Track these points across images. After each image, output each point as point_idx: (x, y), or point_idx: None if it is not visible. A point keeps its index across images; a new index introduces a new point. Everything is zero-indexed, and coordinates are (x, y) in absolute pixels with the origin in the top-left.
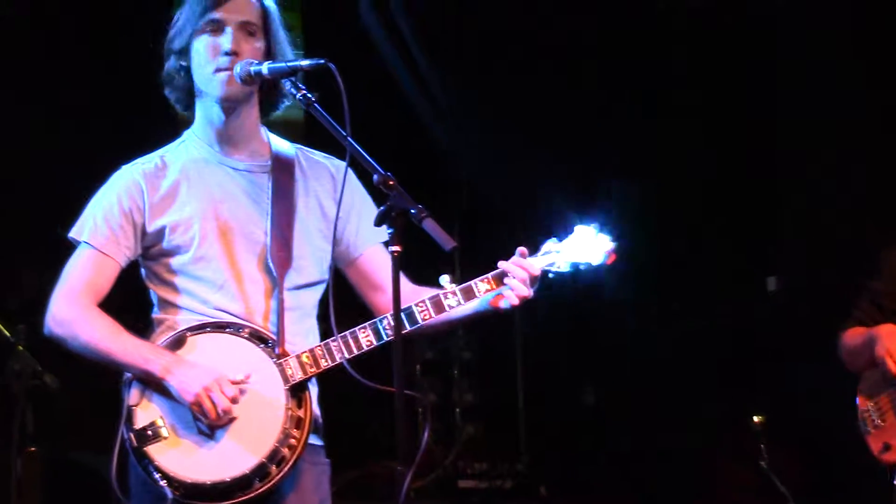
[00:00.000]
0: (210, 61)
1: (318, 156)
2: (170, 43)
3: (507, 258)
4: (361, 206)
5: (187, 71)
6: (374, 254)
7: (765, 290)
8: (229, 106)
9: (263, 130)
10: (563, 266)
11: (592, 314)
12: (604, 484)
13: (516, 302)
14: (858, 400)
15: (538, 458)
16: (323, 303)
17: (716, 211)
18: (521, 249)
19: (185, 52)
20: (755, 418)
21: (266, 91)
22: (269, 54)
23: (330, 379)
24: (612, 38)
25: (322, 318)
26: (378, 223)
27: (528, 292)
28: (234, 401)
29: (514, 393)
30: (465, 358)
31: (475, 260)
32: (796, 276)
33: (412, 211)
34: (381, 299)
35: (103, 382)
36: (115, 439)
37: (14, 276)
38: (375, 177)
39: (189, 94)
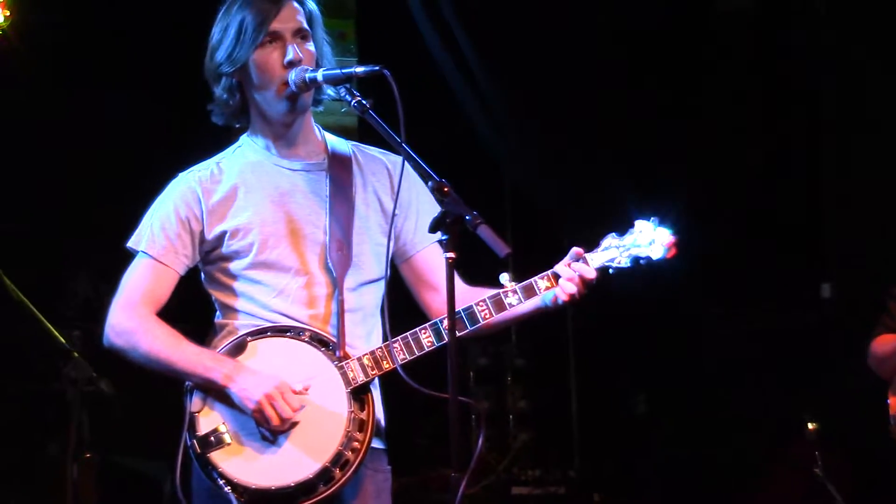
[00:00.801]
0: (274, 76)
1: (374, 151)
2: (218, 65)
3: (562, 257)
4: (420, 203)
5: (241, 87)
6: (430, 253)
7: (819, 297)
8: (289, 117)
9: (318, 129)
10: (623, 261)
11: (645, 320)
12: (656, 490)
13: (565, 299)
14: (890, 401)
15: (591, 465)
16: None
17: (771, 215)
18: (577, 250)
19: (240, 70)
20: (809, 425)
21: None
22: (318, 57)
23: (383, 385)
24: (666, 37)
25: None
26: (433, 229)
27: (576, 291)
28: (296, 408)
29: (567, 399)
30: (519, 365)
31: (530, 259)
32: (851, 282)
33: (467, 217)
34: (436, 299)
35: (159, 388)
36: (178, 446)
37: (69, 283)
38: (430, 183)
39: (242, 109)
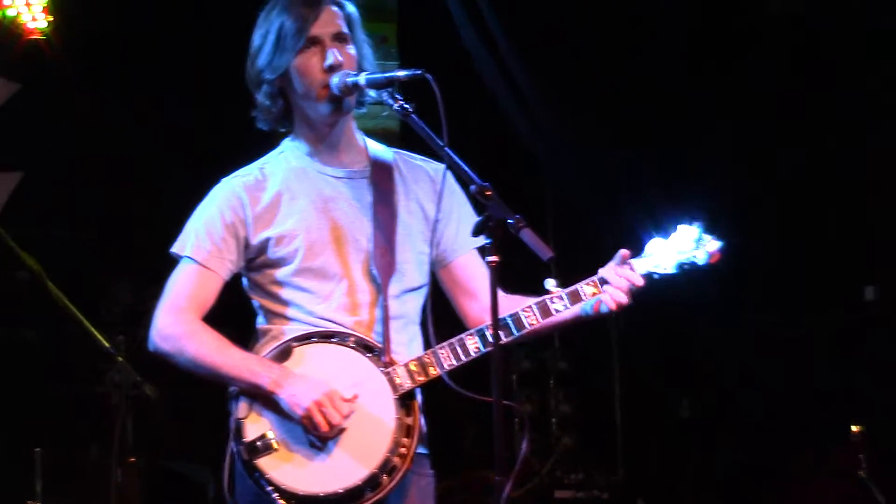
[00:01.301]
0: (315, 80)
1: (416, 159)
2: (259, 72)
3: (601, 260)
4: (460, 210)
5: (283, 92)
6: (469, 260)
7: (863, 299)
8: (331, 120)
9: (360, 136)
10: (668, 267)
11: (689, 324)
12: (700, 495)
13: (613, 307)
14: None
15: (635, 469)
16: (424, 310)
17: (813, 218)
18: (623, 252)
19: (282, 76)
20: (854, 428)
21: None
22: (359, 59)
23: (426, 388)
24: (713, 38)
25: (421, 325)
26: (476, 233)
27: (625, 300)
28: (345, 415)
29: (610, 403)
30: (562, 368)
31: (571, 262)
32: (895, 284)
33: (510, 221)
34: (474, 307)
35: (202, 392)
36: (224, 452)
37: (112, 287)
38: (473, 187)
39: (286, 114)
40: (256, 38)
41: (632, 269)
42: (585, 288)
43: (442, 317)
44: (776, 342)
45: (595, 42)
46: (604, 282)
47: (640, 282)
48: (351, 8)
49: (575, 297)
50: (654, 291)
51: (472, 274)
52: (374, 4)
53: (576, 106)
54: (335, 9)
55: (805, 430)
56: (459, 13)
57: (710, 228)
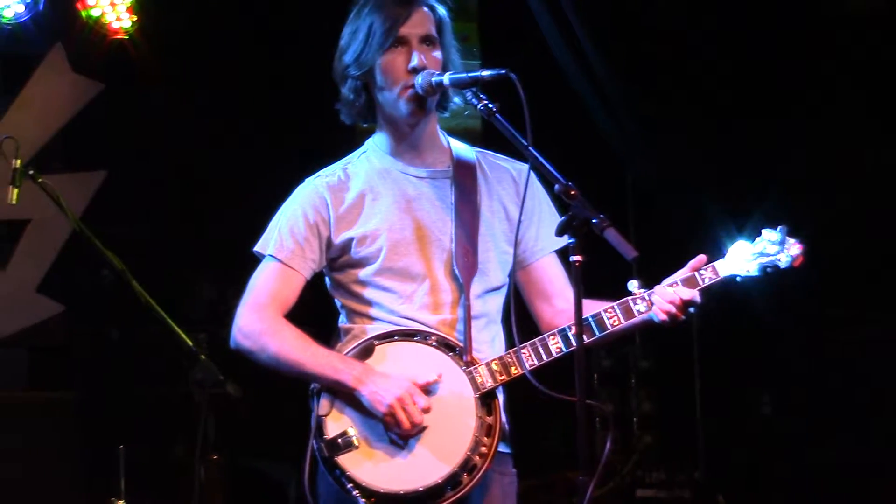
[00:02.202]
0: (398, 80)
1: (500, 159)
2: (345, 67)
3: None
4: (542, 212)
5: (367, 88)
6: (548, 262)
7: None
8: (413, 120)
9: (443, 135)
10: (751, 270)
11: (770, 322)
12: (782, 494)
13: (663, 318)
14: None
15: (716, 468)
16: (506, 309)
17: (892, 217)
18: (700, 257)
19: (367, 72)
20: None
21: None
22: (445, 63)
23: (508, 387)
24: (792, 37)
25: (503, 324)
26: (560, 233)
27: (675, 311)
28: (426, 412)
29: (692, 402)
30: (643, 367)
31: (654, 264)
32: None
33: (594, 220)
34: (548, 310)
35: (284, 390)
36: (305, 449)
37: (195, 286)
38: (557, 186)
39: (369, 110)
40: (346, 34)
41: (715, 272)
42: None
43: (523, 316)
44: (857, 340)
45: (679, 40)
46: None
47: (688, 296)
48: (442, 11)
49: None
50: (737, 288)
51: (550, 277)
52: (455, 4)
53: (659, 104)
54: (426, 11)
55: (887, 428)
56: (540, 11)
57: (794, 231)
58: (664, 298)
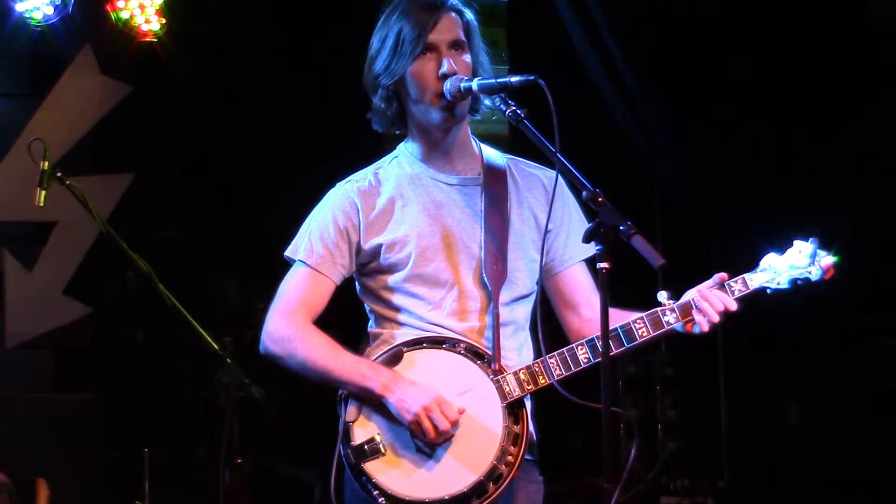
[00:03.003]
0: (429, 87)
1: (531, 166)
2: (376, 76)
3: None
4: (572, 220)
5: (398, 96)
6: (577, 271)
7: None
8: (445, 127)
9: (474, 142)
10: (782, 282)
11: (796, 329)
12: (806, 503)
13: (706, 329)
14: None
15: (740, 476)
16: (533, 317)
17: None
18: (721, 275)
19: (398, 81)
20: None
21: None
22: (475, 66)
23: (533, 393)
24: (819, 47)
25: (531, 331)
26: (587, 240)
27: (715, 320)
28: (453, 421)
29: (716, 410)
30: (668, 374)
31: (680, 270)
32: None
33: (621, 227)
34: (575, 319)
35: (309, 395)
36: (332, 455)
37: (221, 289)
38: (585, 193)
39: (400, 118)
40: (375, 42)
41: (745, 284)
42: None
43: (551, 323)
44: (886, 348)
45: (708, 48)
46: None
47: (734, 307)
48: (470, 15)
49: (686, 311)
50: (764, 299)
51: (577, 287)
52: (484, 9)
53: (688, 112)
54: (454, 16)
55: None
56: (570, 17)
57: (826, 245)
58: (712, 306)
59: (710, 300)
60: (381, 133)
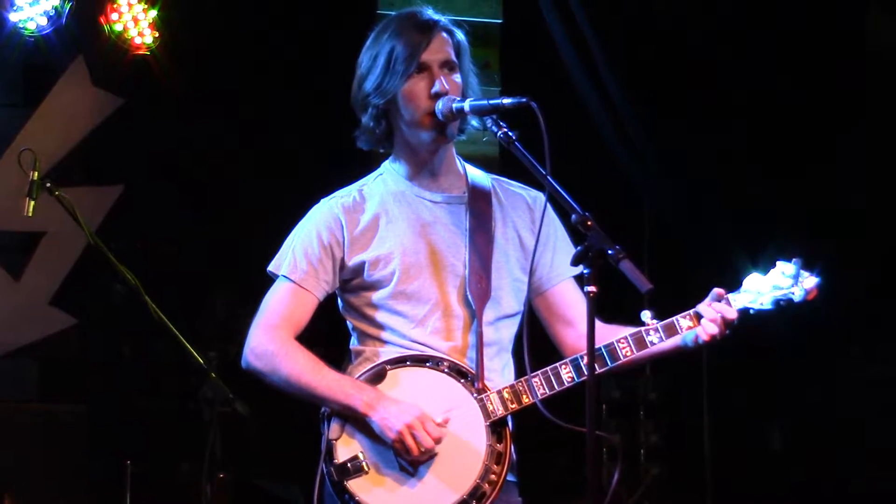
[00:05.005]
0: (420, 107)
1: (515, 186)
2: (366, 95)
3: (701, 291)
4: (558, 238)
5: (387, 115)
6: (566, 288)
7: None
8: (434, 147)
9: (459, 161)
10: (765, 303)
11: (780, 354)
12: None
13: (706, 339)
14: None
15: (724, 501)
16: (517, 338)
17: None
18: (718, 291)
19: (389, 100)
20: None
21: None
22: (464, 87)
23: (515, 415)
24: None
25: (514, 353)
26: (575, 263)
27: (717, 331)
28: (437, 440)
29: (700, 435)
30: (652, 398)
31: (668, 295)
32: None
33: (610, 251)
34: (570, 335)
35: (293, 411)
36: (314, 472)
37: (207, 304)
38: (574, 216)
39: (388, 136)
40: (365, 61)
41: (728, 304)
42: (682, 321)
43: (536, 344)
44: (872, 377)
45: (700, 72)
46: (699, 316)
47: (733, 316)
48: (461, 36)
49: (670, 330)
50: (748, 322)
51: (569, 302)
52: (477, 30)
53: (680, 137)
54: (446, 35)
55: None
56: (562, 39)
57: (809, 265)
58: (708, 317)
59: (712, 312)
60: (367, 150)
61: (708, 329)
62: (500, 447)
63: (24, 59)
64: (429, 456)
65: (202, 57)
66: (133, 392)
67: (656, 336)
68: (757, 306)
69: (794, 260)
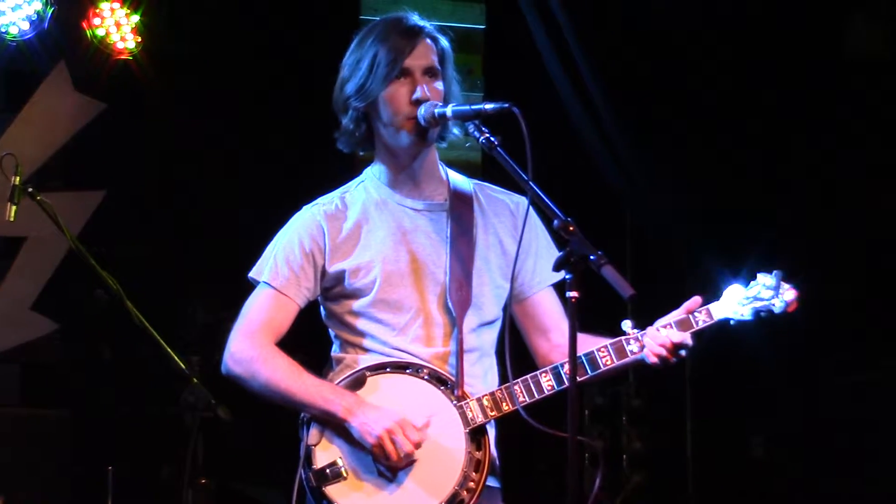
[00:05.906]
0: (401, 111)
1: (497, 192)
2: (347, 97)
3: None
4: (540, 245)
5: (367, 118)
6: (545, 296)
7: None
8: (414, 151)
9: (441, 167)
10: (745, 314)
11: (763, 363)
12: None
13: (654, 360)
14: None
15: None
16: (501, 341)
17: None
18: (696, 299)
19: (370, 103)
20: None
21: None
22: (446, 94)
23: (499, 421)
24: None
25: (498, 355)
26: (557, 268)
27: (664, 353)
28: (416, 445)
29: (682, 442)
30: (635, 405)
31: (650, 302)
32: None
33: (592, 257)
34: (545, 344)
35: (275, 416)
36: (294, 478)
37: (189, 309)
38: (556, 222)
39: (368, 139)
40: (348, 64)
41: (709, 315)
42: (662, 330)
43: (517, 350)
44: (855, 383)
45: (681, 81)
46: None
47: (678, 339)
48: (445, 43)
49: (620, 353)
50: (731, 330)
51: (547, 310)
52: (460, 36)
53: (662, 145)
54: (430, 42)
55: (882, 473)
56: (546, 46)
57: (789, 276)
58: (655, 341)
59: (655, 342)
60: (348, 153)
61: (651, 354)
62: (478, 454)
63: (5, 63)
64: (408, 462)
65: (184, 62)
66: (115, 397)
67: (636, 345)
68: (738, 317)
69: (774, 272)
